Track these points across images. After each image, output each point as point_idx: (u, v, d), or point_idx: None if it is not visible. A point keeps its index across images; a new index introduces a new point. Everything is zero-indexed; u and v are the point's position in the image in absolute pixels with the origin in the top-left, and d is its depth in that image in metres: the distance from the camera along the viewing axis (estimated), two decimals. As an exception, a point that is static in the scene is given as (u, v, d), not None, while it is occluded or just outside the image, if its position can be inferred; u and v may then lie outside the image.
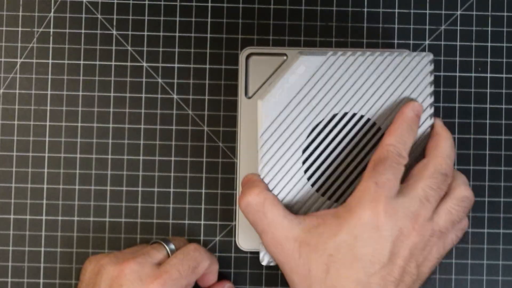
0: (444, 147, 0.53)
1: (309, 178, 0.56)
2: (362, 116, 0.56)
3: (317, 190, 0.56)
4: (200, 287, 0.61)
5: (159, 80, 0.63)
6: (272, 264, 0.55)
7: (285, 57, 0.61)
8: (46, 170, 0.63)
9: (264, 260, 0.55)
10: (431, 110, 0.56)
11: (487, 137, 0.63)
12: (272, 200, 0.53)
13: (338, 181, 0.56)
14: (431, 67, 0.56)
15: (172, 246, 0.58)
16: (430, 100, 0.56)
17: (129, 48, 0.63)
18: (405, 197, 0.50)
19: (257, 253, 0.60)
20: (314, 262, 0.50)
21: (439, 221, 0.51)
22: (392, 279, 0.49)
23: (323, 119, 0.55)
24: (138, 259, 0.55)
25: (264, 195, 0.53)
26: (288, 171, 0.55)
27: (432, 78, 0.56)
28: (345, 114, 0.56)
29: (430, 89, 0.56)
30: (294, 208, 0.56)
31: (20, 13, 0.63)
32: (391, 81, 0.56)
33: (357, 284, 0.49)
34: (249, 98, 0.61)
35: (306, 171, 0.56)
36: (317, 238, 0.50)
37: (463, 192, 0.53)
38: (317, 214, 0.52)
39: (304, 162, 0.56)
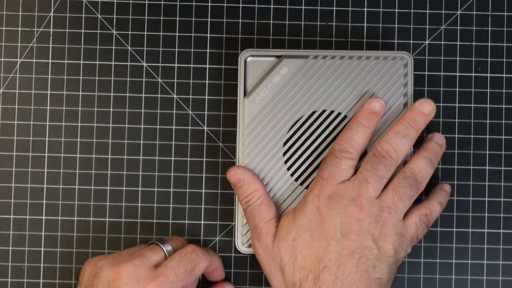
0: (386, 134, 0.58)
1: (288, 169, 0.61)
2: (339, 114, 0.61)
3: (296, 180, 0.60)
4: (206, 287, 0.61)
5: (159, 80, 0.63)
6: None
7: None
8: (46, 170, 0.63)
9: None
10: (404, 109, 0.60)
11: (487, 137, 0.63)
12: (266, 201, 0.59)
13: (315, 172, 0.60)
14: (405, 70, 0.60)
15: (170, 248, 0.58)
16: (404, 100, 0.60)
17: (129, 48, 0.63)
18: (348, 182, 0.56)
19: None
20: (283, 249, 0.56)
21: (386, 198, 0.56)
22: (348, 252, 0.55)
23: (303, 116, 0.61)
24: (135, 261, 0.55)
25: (261, 194, 0.59)
26: (269, 162, 0.60)
27: (405, 80, 0.60)
28: (324, 111, 0.61)
29: (404, 90, 0.60)
30: (274, 197, 0.60)
31: (20, 13, 0.63)
32: (366, 82, 0.60)
33: (318, 261, 0.55)
34: (248, 98, 0.61)
35: (286, 162, 0.60)
36: (283, 229, 0.57)
37: (407, 170, 0.57)
38: (286, 211, 0.59)
39: (284, 154, 0.60)
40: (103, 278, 0.55)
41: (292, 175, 0.60)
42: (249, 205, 0.58)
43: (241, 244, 0.60)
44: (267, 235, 0.57)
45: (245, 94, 0.61)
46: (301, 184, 0.60)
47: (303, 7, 0.63)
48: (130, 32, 0.63)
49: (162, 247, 0.57)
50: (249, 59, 0.61)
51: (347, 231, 0.55)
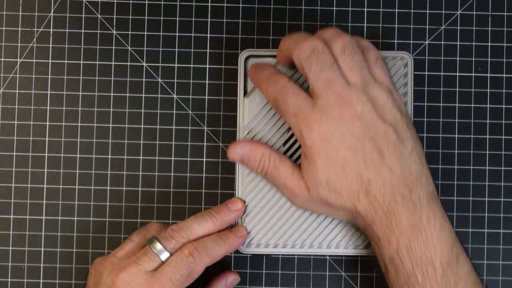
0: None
1: None
2: None
3: None
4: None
5: (159, 80, 0.63)
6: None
7: None
8: (46, 170, 0.63)
9: None
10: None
11: (487, 137, 0.63)
12: (279, 157, 0.58)
13: None
14: (405, 70, 0.60)
15: (166, 254, 0.55)
16: (404, 100, 0.60)
17: (129, 48, 0.63)
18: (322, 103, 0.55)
19: (257, 254, 0.60)
20: (325, 194, 0.55)
21: (350, 78, 0.54)
22: (377, 151, 0.54)
23: None
24: (131, 268, 0.54)
25: (273, 156, 0.58)
26: None
27: (405, 80, 0.60)
28: None
29: (404, 90, 0.60)
30: (277, 198, 0.60)
31: (20, 13, 0.63)
32: None
33: (360, 179, 0.54)
34: (248, 97, 0.61)
35: None
36: (311, 179, 0.55)
37: (335, 42, 0.55)
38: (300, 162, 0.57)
39: (284, 154, 0.60)
40: (103, 286, 0.55)
41: None
42: (266, 171, 0.57)
43: (242, 245, 0.60)
44: (299, 190, 0.56)
45: (245, 94, 0.61)
46: None
47: (303, 7, 0.63)
48: (130, 32, 0.63)
49: (157, 254, 0.55)
50: (250, 59, 0.61)
51: (361, 138, 0.54)
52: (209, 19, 0.63)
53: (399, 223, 0.53)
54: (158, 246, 0.56)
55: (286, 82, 0.56)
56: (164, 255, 0.55)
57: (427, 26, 0.63)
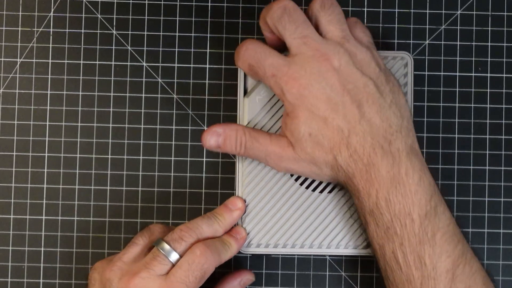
0: None
1: None
2: None
3: (296, 180, 0.60)
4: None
5: (159, 80, 0.63)
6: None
7: None
8: (46, 170, 0.63)
9: None
10: None
11: (487, 137, 0.63)
12: (253, 128, 0.58)
13: None
14: (405, 70, 0.60)
15: (176, 256, 0.55)
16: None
17: (129, 48, 0.63)
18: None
19: (257, 254, 0.60)
20: (308, 148, 0.55)
21: (328, 33, 0.55)
22: (356, 103, 0.54)
23: None
24: (142, 273, 0.53)
25: (247, 131, 0.57)
26: None
27: (405, 79, 0.60)
28: None
29: (404, 89, 0.60)
30: (275, 197, 0.60)
31: (20, 13, 0.63)
32: None
33: (341, 132, 0.54)
34: (248, 97, 0.61)
35: None
36: (294, 134, 0.55)
37: (315, 1, 0.56)
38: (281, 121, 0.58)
39: None
40: None
41: (292, 175, 0.60)
42: (244, 145, 0.57)
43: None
44: (283, 149, 0.56)
45: (245, 94, 0.61)
46: (301, 184, 0.60)
47: (303, 7, 0.63)
48: (130, 32, 0.63)
49: (168, 257, 0.54)
50: None
51: (340, 91, 0.54)
52: (209, 19, 0.63)
53: (378, 176, 0.53)
54: (168, 248, 0.55)
55: (257, 46, 0.56)
56: (174, 257, 0.55)
57: (427, 26, 0.63)
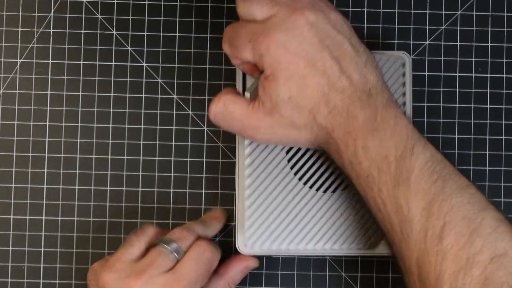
0: None
1: (292, 167, 0.60)
2: None
3: (300, 179, 0.60)
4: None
5: (159, 80, 0.63)
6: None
7: None
8: (46, 170, 0.63)
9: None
10: (403, 108, 0.60)
11: (487, 137, 0.63)
12: (231, 98, 0.55)
13: (319, 171, 0.60)
14: (403, 70, 0.60)
15: (181, 252, 0.55)
16: (402, 99, 0.60)
17: (129, 48, 0.63)
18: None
19: (258, 256, 0.60)
20: (288, 111, 0.53)
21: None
22: (333, 64, 0.53)
23: None
24: (150, 270, 0.53)
25: (222, 99, 0.55)
26: (272, 161, 0.60)
27: (404, 79, 0.60)
28: None
29: (402, 89, 0.60)
30: (278, 196, 0.60)
31: (20, 13, 0.63)
32: None
33: (322, 93, 0.53)
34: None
35: (289, 160, 0.60)
36: (272, 99, 0.53)
37: None
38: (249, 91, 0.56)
39: (287, 153, 0.60)
40: None
41: (296, 173, 0.60)
42: (220, 118, 0.56)
43: (242, 245, 0.60)
44: (260, 121, 0.54)
45: (243, 93, 0.60)
46: (305, 183, 0.60)
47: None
48: (130, 32, 0.63)
49: (173, 253, 0.55)
50: None
51: (318, 47, 0.53)
52: (209, 19, 0.63)
53: (356, 126, 0.52)
54: (172, 244, 0.55)
55: (235, 23, 0.55)
56: (180, 254, 0.55)
57: (427, 27, 0.63)
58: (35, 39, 0.63)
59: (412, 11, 0.64)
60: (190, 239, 0.56)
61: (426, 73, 0.63)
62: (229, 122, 0.55)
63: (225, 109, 0.55)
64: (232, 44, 0.55)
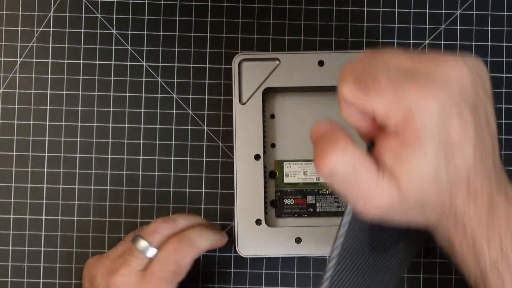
0: None
1: None
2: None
3: None
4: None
5: (159, 80, 0.63)
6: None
7: (277, 62, 0.60)
8: (46, 170, 0.63)
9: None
10: None
11: (487, 137, 0.63)
12: (360, 159, 0.40)
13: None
14: None
15: (153, 250, 0.54)
16: None
17: (129, 47, 0.63)
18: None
19: (257, 258, 0.60)
20: (425, 189, 0.40)
21: None
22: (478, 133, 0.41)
23: None
24: (122, 270, 0.54)
25: (350, 155, 0.40)
26: None
27: None
28: None
29: None
30: None
31: (20, 13, 0.63)
32: None
33: (465, 177, 0.40)
34: (243, 104, 0.60)
35: None
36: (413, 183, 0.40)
37: None
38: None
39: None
40: None
41: None
42: (341, 180, 0.41)
43: (241, 248, 0.60)
44: (390, 197, 0.40)
45: (240, 99, 0.60)
46: None
47: (303, 7, 0.63)
48: (130, 32, 0.63)
49: (143, 252, 0.54)
50: (244, 63, 0.60)
51: (473, 103, 0.41)
52: (209, 19, 0.63)
53: (499, 216, 0.41)
54: (143, 243, 0.55)
55: (370, 59, 0.42)
56: (151, 252, 0.54)
57: (427, 26, 0.63)
58: (35, 38, 0.63)
59: (412, 10, 0.64)
60: (163, 232, 0.55)
61: (426, 73, 0.63)
62: (346, 187, 0.41)
63: (353, 171, 0.40)
64: (359, 84, 0.41)
